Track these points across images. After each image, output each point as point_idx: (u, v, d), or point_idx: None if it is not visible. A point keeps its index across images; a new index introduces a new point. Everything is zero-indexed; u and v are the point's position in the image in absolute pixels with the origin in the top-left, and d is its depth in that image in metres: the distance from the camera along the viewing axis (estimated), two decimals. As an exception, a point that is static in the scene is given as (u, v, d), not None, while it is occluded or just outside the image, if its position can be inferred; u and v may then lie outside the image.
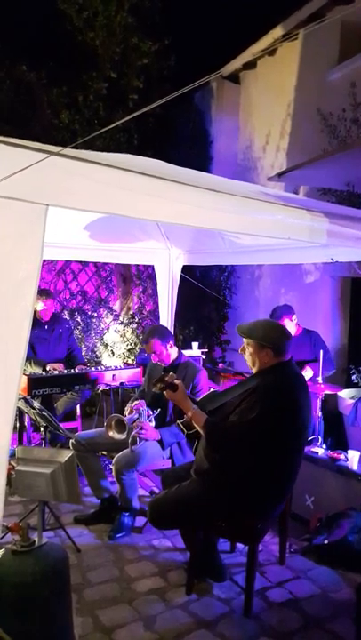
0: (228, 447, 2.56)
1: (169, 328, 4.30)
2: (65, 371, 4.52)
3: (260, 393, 2.54)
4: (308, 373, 4.22)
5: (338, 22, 5.71)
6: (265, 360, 2.64)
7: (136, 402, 3.61)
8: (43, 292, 4.87)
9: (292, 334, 4.49)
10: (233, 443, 2.53)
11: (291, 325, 4.46)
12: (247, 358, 2.72)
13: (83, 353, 6.16)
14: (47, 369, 4.52)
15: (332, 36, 5.85)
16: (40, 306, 4.72)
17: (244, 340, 2.72)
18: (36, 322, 4.76)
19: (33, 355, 4.65)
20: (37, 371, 4.49)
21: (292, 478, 2.73)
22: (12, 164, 1.51)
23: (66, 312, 6.52)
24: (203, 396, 2.98)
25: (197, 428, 2.64)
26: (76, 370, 4.58)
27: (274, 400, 2.51)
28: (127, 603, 2.71)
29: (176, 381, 2.79)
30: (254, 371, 2.72)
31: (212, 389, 3.36)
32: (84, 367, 4.75)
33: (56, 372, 4.41)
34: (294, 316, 4.50)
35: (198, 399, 2.92)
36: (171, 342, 3.60)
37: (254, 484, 2.56)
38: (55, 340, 4.86)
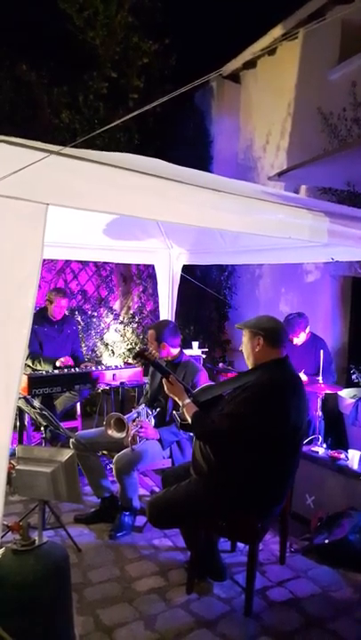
0: (215, 439, 2.60)
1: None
2: (73, 367, 4.55)
3: (253, 391, 2.54)
4: (301, 376, 4.21)
5: (338, 21, 5.71)
6: (257, 350, 2.64)
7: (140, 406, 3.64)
8: (60, 291, 4.89)
9: (302, 342, 4.48)
10: (220, 435, 2.56)
11: (302, 337, 4.48)
12: (244, 351, 2.75)
13: (83, 352, 6.18)
14: (57, 364, 4.55)
15: (333, 36, 5.85)
16: (55, 304, 4.74)
17: (243, 332, 2.74)
18: (48, 320, 4.79)
19: (41, 352, 4.67)
20: (47, 369, 4.51)
21: (288, 478, 2.73)
22: (13, 164, 1.51)
23: (66, 312, 6.52)
24: (198, 389, 3.01)
25: (187, 417, 2.70)
26: (81, 368, 4.61)
27: (265, 400, 2.51)
28: (128, 602, 2.71)
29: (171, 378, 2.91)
30: (250, 366, 2.72)
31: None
32: (88, 365, 4.78)
33: (57, 372, 4.42)
34: (308, 328, 4.52)
35: (194, 392, 2.94)
36: (164, 343, 3.59)
37: (250, 484, 2.56)
38: (63, 339, 4.88)
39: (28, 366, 4.53)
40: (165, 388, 2.92)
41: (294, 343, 4.48)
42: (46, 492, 2.40)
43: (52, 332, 4.79)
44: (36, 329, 4.62)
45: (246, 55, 6.92)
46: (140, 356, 3.13)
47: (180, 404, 2.81)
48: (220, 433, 2.55)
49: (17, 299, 1.61)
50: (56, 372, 4.43)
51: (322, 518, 3.31)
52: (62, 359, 4.62)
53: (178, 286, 5.01)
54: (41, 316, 4.75)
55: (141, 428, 3.34)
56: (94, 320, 6.80)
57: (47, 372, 4.43)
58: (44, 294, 5.10)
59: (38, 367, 4.54)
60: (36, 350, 4.64)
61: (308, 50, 6.19)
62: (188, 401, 2.78)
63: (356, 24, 5.65)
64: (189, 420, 2.70)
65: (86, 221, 3.56)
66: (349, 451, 3.57)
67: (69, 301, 5.40)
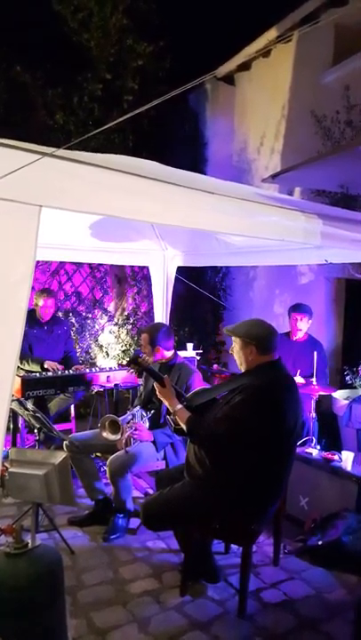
0: (212, 442, 2.59)
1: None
2: (64, 371, 4.53)
3: (247, 393, 2.54)
4: (297, 379, 4.21)
5: (332, 24, 5.73)
6: (250, 358, 2.64)
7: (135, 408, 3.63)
8: (45, 292, 4.87)
9: (300, 336, 4.48)
10: (217, 438, 2.55)
11: (304, 325, 4.46)
12: (235, 357, 2.73)
13: (77, 354, 6.16)
14: (45, 367, 4.52)
15: (327, 39, 5.87)
16: (42, 305, 4.72)
17: (233, 339, 2.73)
18: (36, 321, 4.77)
19: (30, 354, 4.65)
20: (35, 369, 4.48)
21: (282, 480, 2.74)
22: (6, 165, 1.51)
23: (60, 313, 6.51)
24: (191, 392, 3.00)
25: (180, 423, 2.69)
26: (73, 370, 4.59)
27: (261, 401, 2.51)
28: (121, 604, 2.70)
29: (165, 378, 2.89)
30: (242, 370, 2.72)
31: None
32: (80, 367, 4.76)
33: (50, 374, 4.41)
34: (311, 320, 4.51)
35: (187, 395, 2.94)
36: (158, 346, 3.59)
37: (246, 485, 2.56)
38: (53, 341, 4.86)
39: (18, 367, 4.51)
40: (157, 392, 2.90)
41: (294, 339, 4.48)
42: (39, 495, 2.39)
43: (41, 334, 4.78)
44: (25, 331, 4.59)
45: (241, 57, 6.93)
46: (134, 363, 3.14)
47: (171, 410, 2.78)
48: (218, 436, 2.54)
49: (10, 300, 1.60)
50: (50, 374, 4.41)
51: (316, 520, 3.31)
52: (52, 363, 4.59)
53: (172, 288, 5.01)
54: (30, 318, 4.74)
55: (136, 430, 3.34)
56: (89, 322, 6.79)
57: (41, 374, 4.42)
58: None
59: (26, 367, 4.52)
60: (26, 351, 4.62)
61: (303, 52, 6.21)
62: (179, 407, 2.75)
63: (349, 27, 5.68)
64: (183, 426, 2.68)
65: (80, 223, 3.56)
66: (343, 452, 3.58)
67: (56, 301, 5.37)
